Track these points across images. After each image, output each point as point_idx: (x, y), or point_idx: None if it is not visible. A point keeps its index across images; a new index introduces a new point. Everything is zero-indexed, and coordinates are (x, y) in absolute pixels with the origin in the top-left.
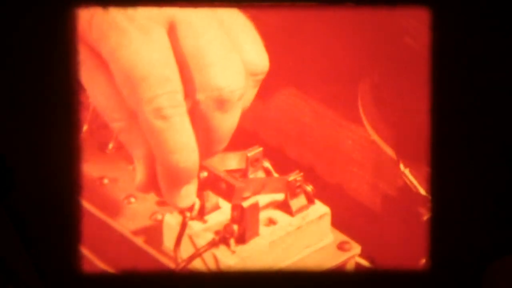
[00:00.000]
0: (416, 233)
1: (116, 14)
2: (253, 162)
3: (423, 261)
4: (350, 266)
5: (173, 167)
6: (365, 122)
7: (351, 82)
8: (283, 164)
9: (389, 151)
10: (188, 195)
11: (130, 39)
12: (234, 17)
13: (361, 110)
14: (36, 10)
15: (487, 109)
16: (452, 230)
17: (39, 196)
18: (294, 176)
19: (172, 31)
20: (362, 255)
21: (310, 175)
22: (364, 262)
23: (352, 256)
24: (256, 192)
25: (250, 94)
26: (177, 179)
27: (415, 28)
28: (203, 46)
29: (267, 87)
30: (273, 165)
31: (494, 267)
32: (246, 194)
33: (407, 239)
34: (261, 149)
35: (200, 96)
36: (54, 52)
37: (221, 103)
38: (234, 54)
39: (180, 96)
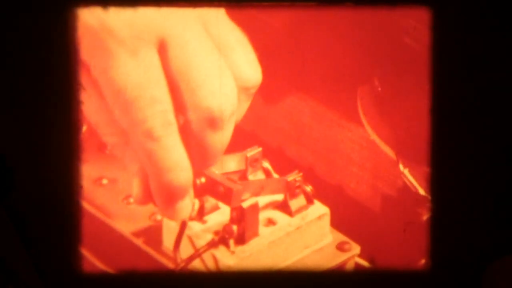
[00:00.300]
0: (416, 233)
1: (105, 35)
2: (253, 162)
3: (423, 261)
4: (350, 266)
5: (167, 185)
6: (365, 122)
7: (351, 82)
8: (282, 164)
9: (389, 151)
10: (183, 209)
11: (119, 61)
12: (227, 30)
13: (360, 110)
14: (36, 10)
15: (487, 109)
16: (452, 230)
17: (39, 196)
18: (294, 176)
19: (162, 50)
20: (361, 255)
21: (309, 175)
22: (364, 262)
23: (352, 256)
24: (255, 194)
25: (243, 108)
26: (171, 196)
27: (415, 28)
28: (194, 66)
29: (267, 87)
30: (273, 165)
31: (494, 267)
32: (245, 196)
33: (407, 239)
34: (260, 149)
35: (191, 116)
36: (54, 52)
37: (213, 123)
38: (226, 71)
39: (171, 115)
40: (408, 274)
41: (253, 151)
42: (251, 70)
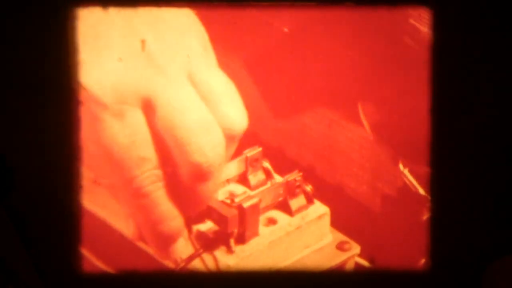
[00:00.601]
0: (416, 233)
1: (90, 103)
2: (253, 162)
3: (423, 261)
4: (350, 266)
5: (159, 235)
6: (365, 122)
7: (351, 82)
8: (282, 164)
9: (389, 151)
10: (177, 250)
11: (105, 125)
12: (213, 76)
13: (360, 110)
14: (36, 10)
15: (487, 109)
16: (452, 230)
17: (39, 196)
18: (294, 176)
19: (148, 109)
20: (361, 255)
21: (309, 175)
22: (364, 262)
23: (352, 256)
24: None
25: (230, 151)
26: (164, 243)
27: (415, 28)
28: (180, 123)
29: (268, 87)
30: (273, 165)
31: (494, 267)
32: None
33: (407, 239)
34: (260, 149)
35: (181, 170)
36: (54, 52)
37: (202, 176)
38: (213, 123)
39: (158, 172)
40: (408, 274)
41: (253, 151)
42: (238, 118)
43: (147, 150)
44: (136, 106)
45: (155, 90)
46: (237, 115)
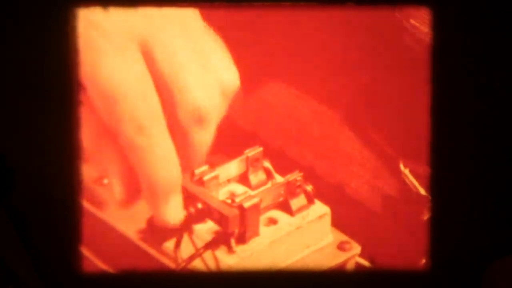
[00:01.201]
0: (416, 233)
1: (91, 31)
2: (253, 162)
3: (423, 261)
4: (350, 266)
5: (157, 181)
6: (365, 122)
7: (351, 82)
8: (283, 164)
9: (389, 151)
10: (175, 208)
11: (107, 57)
12: (203, 33)
13: (361, 110)
14: (36, 10)
15: (487, 109)
16: (452, 230)
17: (39, 196)
18: (294, 176)
19: (146, 53)
20: (362, 255)
21: (310, 175)
22: (364, 262)
23: (352, 256)
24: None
25: (221, 111)
26: (162, 193)
27: (415, 28)
28: (179, 68)
29: (268, 87)
30: (273, 165)
31: (494, 267)
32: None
33: (407, 239)
34: (261, 149)
35: (179, 114)
36: (54, 52)
37: (200, 121)
38: (209, 74)
39: (159, 112)
40: (408, 274)
41: (254, 151)
42: (230, 74)
43: (147, 87)
44: (135, 45)
45: (151, 31)
46: (229, 71)
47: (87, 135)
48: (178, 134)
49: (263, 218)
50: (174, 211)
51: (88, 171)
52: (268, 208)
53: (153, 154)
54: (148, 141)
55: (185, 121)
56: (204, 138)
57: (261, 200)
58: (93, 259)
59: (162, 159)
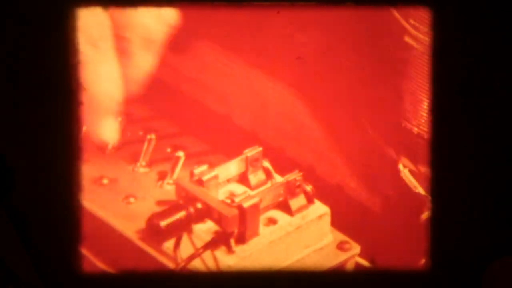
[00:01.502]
0: (416, 233)
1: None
2: (253, 162)
3: (423, 261)
4: (350, 266)
5: (98, 95)
6: (365, 122)
7: (351, 82)
8: (282, 164)
9: (389, 151)
10: (109, 128)
11: None
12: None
13: (361, 110)
14: (36, 10)
15: (487, 109)
16: (452, 230)
17: (39, 196)
18: (294, 176)
19: None
20: (362, 255)
21: (309, 175)
22: (364, 262)
23: (352, 256)
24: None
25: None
26: (101, 108)
27: (415, 28)
28: None
29: (268, 86)
30: (273, 165)
31: (494, 267)
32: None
33: (407, 239)
34: (260, 149)
35: (128, 34)
36: (54, 52)
37: (147, 42)
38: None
39: (108, 31)
40: (408, 274)
41: (253, 151)
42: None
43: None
44: None
45: None
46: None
47: None
48: (124, 54)
49: (263, 218)
50: (109, 130)
51: (88, 171)
52: (267, 208)
53: (98, 68)
54: (95, 55)
55: (133, 41)
56: (146, 62)
57: (260, 200)
58: (93, 259)
59: (106, 75)
